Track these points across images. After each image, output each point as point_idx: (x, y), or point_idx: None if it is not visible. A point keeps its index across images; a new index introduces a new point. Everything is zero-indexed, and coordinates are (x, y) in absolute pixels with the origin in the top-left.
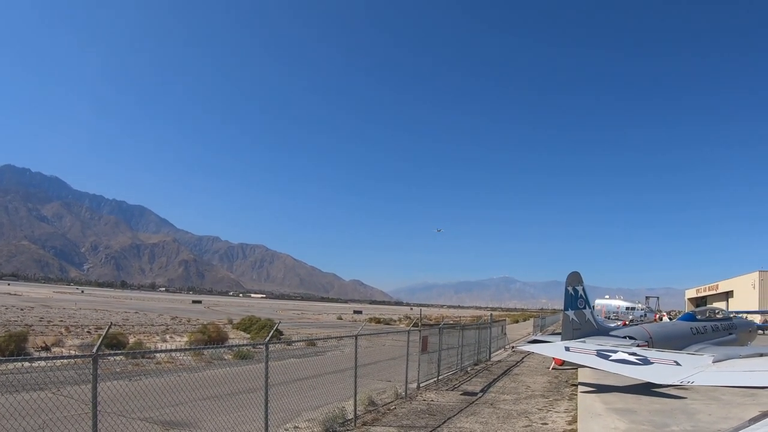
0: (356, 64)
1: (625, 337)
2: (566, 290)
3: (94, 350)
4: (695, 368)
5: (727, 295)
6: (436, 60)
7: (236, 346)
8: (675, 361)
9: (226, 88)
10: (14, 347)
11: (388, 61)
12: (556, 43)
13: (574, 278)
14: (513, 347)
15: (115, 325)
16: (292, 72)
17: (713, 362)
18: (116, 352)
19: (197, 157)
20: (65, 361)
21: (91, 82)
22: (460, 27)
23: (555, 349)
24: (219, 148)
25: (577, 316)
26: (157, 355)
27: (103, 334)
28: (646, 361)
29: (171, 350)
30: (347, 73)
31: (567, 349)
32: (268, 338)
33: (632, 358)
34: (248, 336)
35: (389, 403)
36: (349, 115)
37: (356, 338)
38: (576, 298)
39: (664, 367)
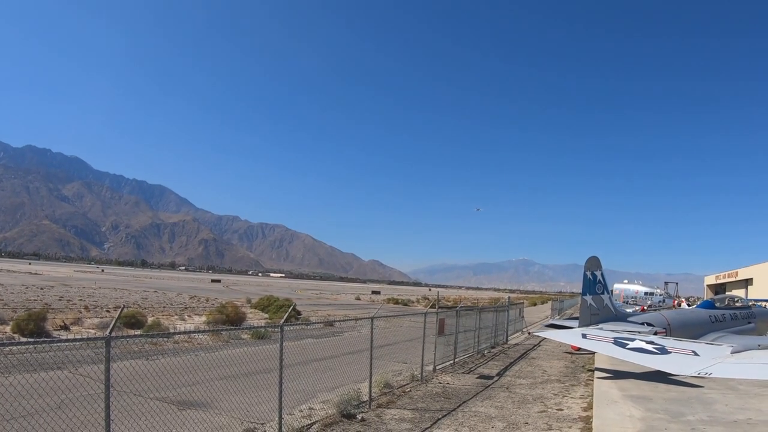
0: (375, 45)
1: (643, 324)
2: (585, 275)
3: (107, 333)
4: (713, 359)
5: (747, 283)
6: (460, 44)
7: (251, 327)
8: (693, 351)
9: (246, 68)
10: (33, 327)
11: (412, 42)
12: (587, 29)
13: (593, 263)
14: (530, 332)
15: (134, 304)
16: (311, 52)
17: (731, 353)
18: (129, 335)
19: (217, 137)
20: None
21: (111, 64)
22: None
23: (572, 335)
24: (239, 129)
25: (595, 301)
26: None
27: (116, 316)
28: (663, 351)
29: (184, 332)
30: (365, 51)
31: (584, 336)
32: (283, 320)
33: (650, 347)
34: (266, 315)
35: (405, 385)
36: (368, 92)
37: (372, 320)
38: (594, 283)
39: (682, 357)
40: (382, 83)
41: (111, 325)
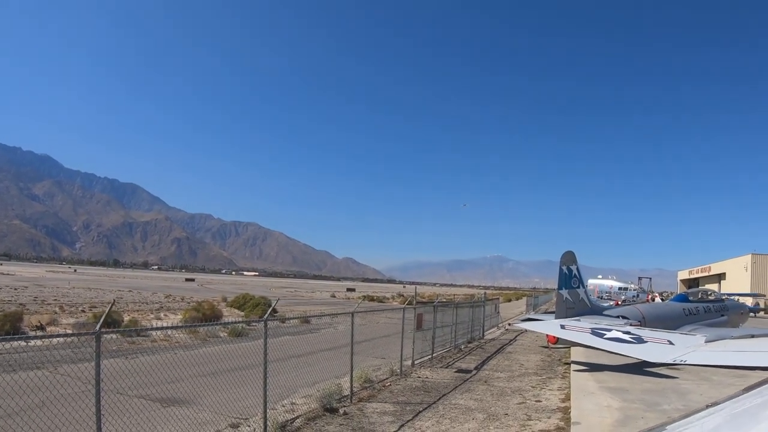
0: (341, 47)
1: (618, 317)
2: (560, 269)
3: (97, 328)
4: (688, 348)
5: (720, 277)
6: (425, 45)
7: (236, 322)
8: (668, 341)
9: (218, 68)
10: (9, 327)
11: (375, 43)
12: (557, 33)
13: (569, 257)
14: (507, 326)
15: (109, 303)
16: (278, 53)
17: (705, 342)
18: (118, 329)
19: (188, 135)
20: (61, 340)
21: (81, 62)
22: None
23: (550, 326)
24: (209, 127)
25: (571, 295)
26: (153, 332)
27: (106, 311)
28: (640, 340)
29: (172, 327)
30: (331, 53)
31: (562, 327)
32: (266, 315)
33: (627, 337)
34: (242, 314)
35: (384, 380)
36: (338, 96)
37: (353, 315)
38: (570, 277)
39: (658, 346)
40: (353, 86)
41: (101, 320)
